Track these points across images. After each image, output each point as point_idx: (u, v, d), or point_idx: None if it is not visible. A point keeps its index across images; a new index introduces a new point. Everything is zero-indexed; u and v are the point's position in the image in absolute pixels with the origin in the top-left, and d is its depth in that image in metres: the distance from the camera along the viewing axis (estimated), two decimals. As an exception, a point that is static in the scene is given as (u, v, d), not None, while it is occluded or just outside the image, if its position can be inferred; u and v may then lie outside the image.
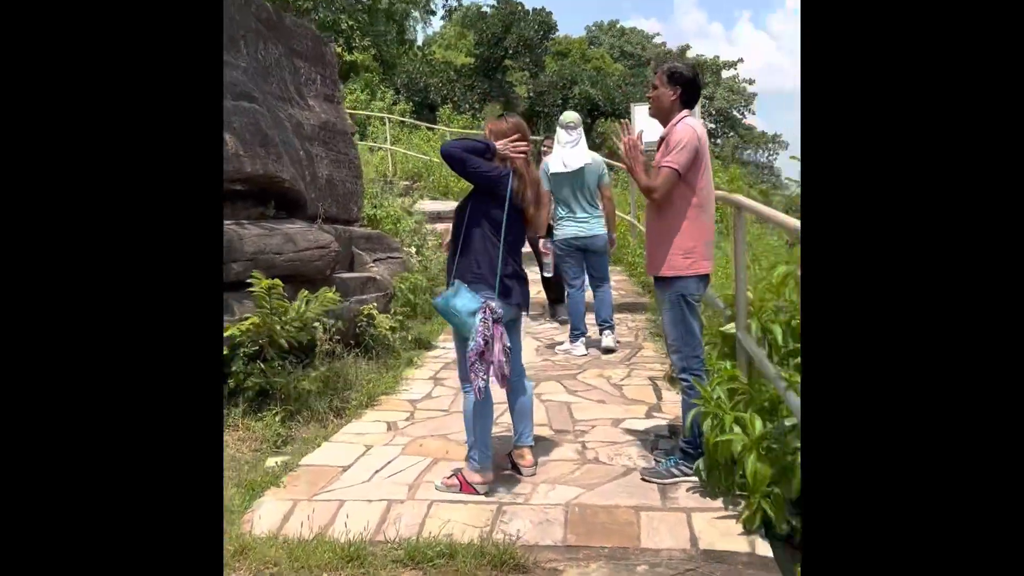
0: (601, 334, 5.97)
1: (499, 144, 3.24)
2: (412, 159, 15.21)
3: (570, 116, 5.84)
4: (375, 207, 8.30)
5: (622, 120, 4.02)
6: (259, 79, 6.06)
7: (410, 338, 5.87)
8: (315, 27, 19.06)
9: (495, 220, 3.17)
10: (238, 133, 4.68)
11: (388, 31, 22.96)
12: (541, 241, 6.06)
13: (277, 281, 4.22)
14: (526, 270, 3.43)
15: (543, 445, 3.82)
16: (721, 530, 2.86)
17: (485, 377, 3.09)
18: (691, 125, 3.18)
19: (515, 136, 3.25)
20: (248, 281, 4.24)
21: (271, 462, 3.69)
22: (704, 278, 3.27)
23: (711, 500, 3.09)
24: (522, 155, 3.24)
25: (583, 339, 5.82)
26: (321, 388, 4.46)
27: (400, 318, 5.73)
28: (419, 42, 28.20)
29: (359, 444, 3.92)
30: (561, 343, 5.98)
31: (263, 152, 4.82)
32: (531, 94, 23.92)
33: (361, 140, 16.62)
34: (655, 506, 3.07)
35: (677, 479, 3.27)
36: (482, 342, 3.06)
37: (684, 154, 3.11)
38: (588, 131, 19.76)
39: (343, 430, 4.17)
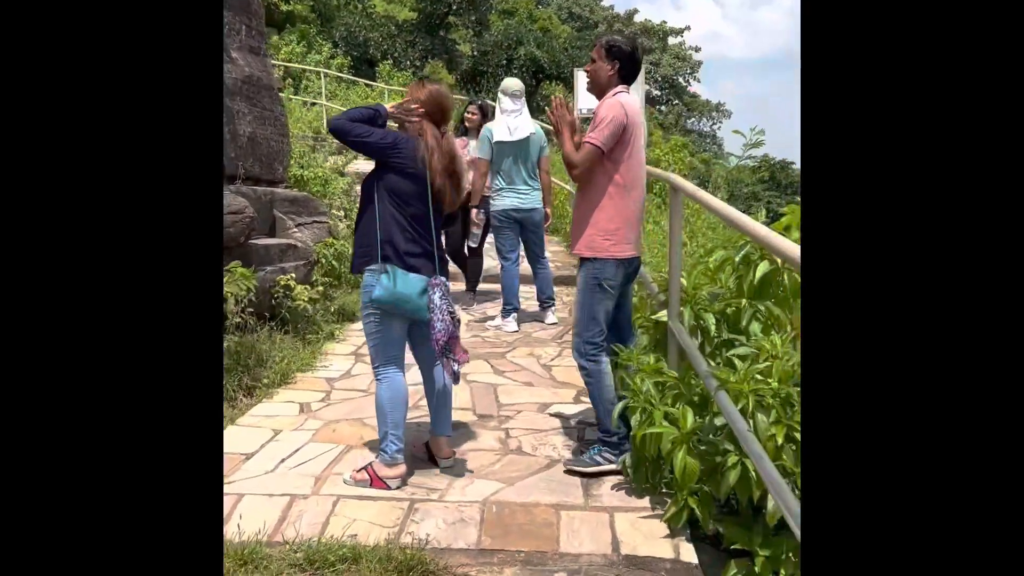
0: (545, 311, 5.80)
1: (390, 106, 3.01)
2: (348, 116, 14.64)
3: (515, 83, 5.60)
4: (303, 167, 7.88)
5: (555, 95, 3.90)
6: (173, 25, 5.59)
7: (332, 309, 5.58)
8: (249, -28, 18.19)
9: (398, 192, 2.91)
10: (142, 85, 4.27)
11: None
12: (473, 211, 5.76)
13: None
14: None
15: (464, 432, 3.63)
16: (645, 532, 2.71)
17: (463, 358, 2.96)
18: (620, 101, 3.02)
19: (420, 106, 2.97)
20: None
21: (168, 448, 3.39)
22: (625, 263, 3.09)
23: (636, 499, 2.94)
24: (415, 119, 2.98)
25: (515, 315, 5.63)
26: (230, 365, 4.16)
27: (321, 288, 5.42)
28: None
29: (267, 428, 3.65)
30: (492, 318, 5.77)
31: (170, 107, 4.41)
32: (475, 53, 23.35)
33: (295, 95, 15.97)
34: (577, 504, 2.90)
35: (601, 467, 3.12)
36: (450, 319, 2.89)
37: (608, 130, 2.97)
38: (532, 95, 19.46)
39: (251, 412, 3.89)
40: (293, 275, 5.05)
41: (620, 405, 2.99)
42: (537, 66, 22.37)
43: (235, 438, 3.52)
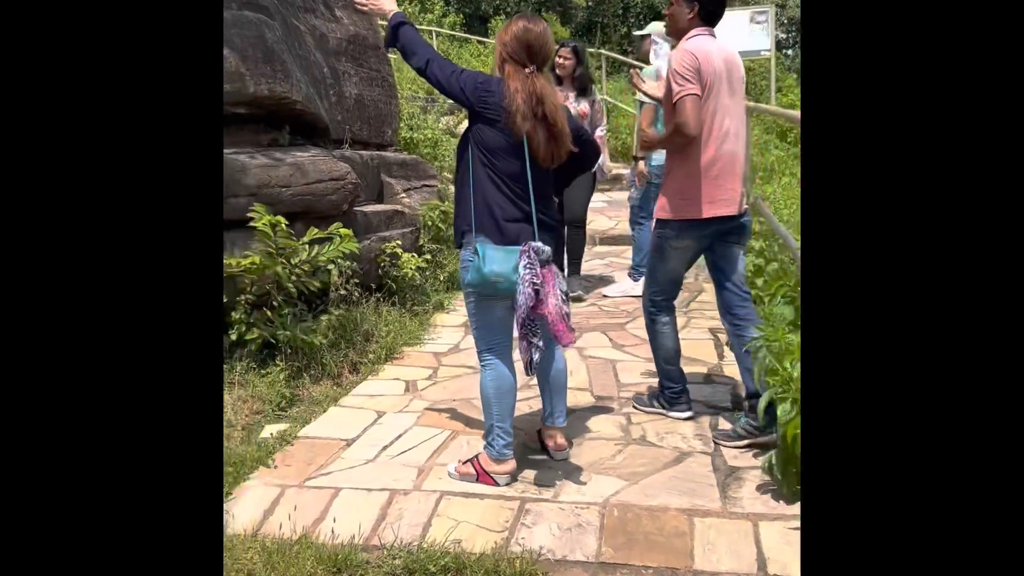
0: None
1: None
2: (461, 75, 14.34)
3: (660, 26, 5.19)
4: (412, 129, 7.64)
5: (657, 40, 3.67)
6: (276, -15, 5.40)
7: (442, 277, 5.32)
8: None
9: (488, 147, 2.53)
10: (239, 48, 4.07)
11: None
12: (640, 163, 5.03)
13: (279, 218, 3.68)
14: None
15: (581, 416, 3.27)
16: (796, 547, 2.28)
17: (540, 344, 2.50)
18: (690, 49, 2.83)
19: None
20: (249, 217, 3.71)
21: (268, 431, 3.22)
22: (696, 224, 2.95)
23: (784, 505, 2.50)
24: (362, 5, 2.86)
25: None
26: (335, 340, 3.97)
27: (428, 256, 5.16)
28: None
29: (370, 410, 3.42)
30: (611, 284, 5.37)
31: (269, 70, 4.21)
32: (589, 3, 22.50)
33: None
34: (713, 510, 2.49)
35: (744, 441, 2.96)
36: (532, 292, 2.42)
37: (691, 77, 2.80)
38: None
39: (355, 391, 3.68)
40: (399, 242, 4.80)
41: (766, 397, 2.55)
42: (655, 14, 21.26)
43: (337, 421, 3.31)
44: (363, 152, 5.67)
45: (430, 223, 5.34)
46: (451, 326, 4.67)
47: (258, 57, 4.17)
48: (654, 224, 3.11)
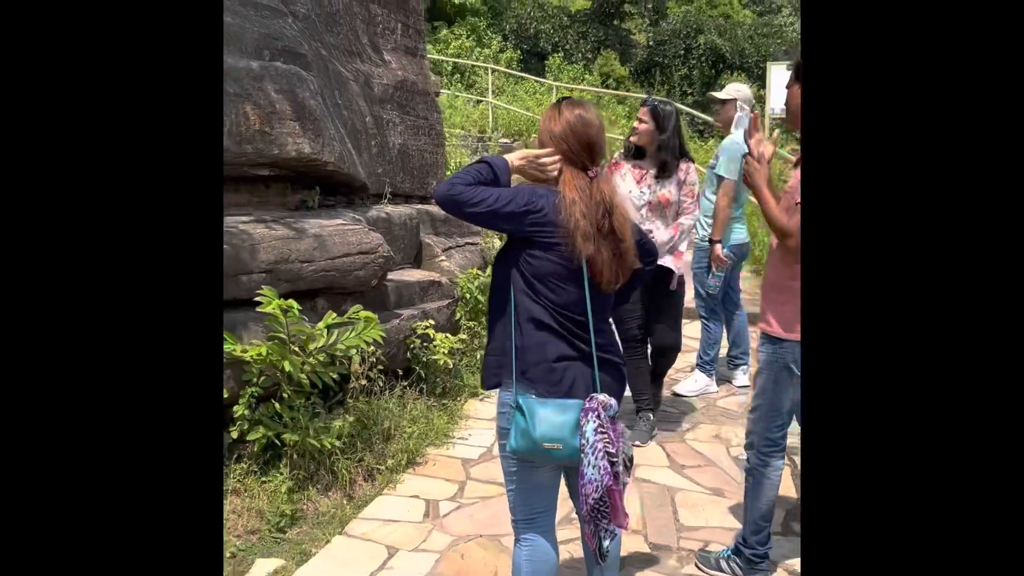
0: (735, 370, 4.79)
1: (518, 158, 2.06)
2: (514, 114, 13.98)
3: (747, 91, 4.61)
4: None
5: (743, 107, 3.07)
6: (320, 29, 5.02)
7: (478, 356, 4.80)
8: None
9: (539, 274, 2.00)
10: (265, 104, 3.64)
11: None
12: (716, 247, 4.29)
13: (291, 302, 3.20)
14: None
15: (631, 572, 2.69)
16: None
17: (612, 528, 1.95)
18: None
19: (553, 151, 2.05)
20: (256, 300, 3.24)
21: (259, 569, 2.72)
22: None
23: None
24: (553, 173, 2.06)
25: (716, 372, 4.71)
26: (350, 441, 3.47)
27: (464, 337, 4.64)
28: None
29: (380, 544, 2.89)
30: (683, 380, 4.77)
31: (298, 128, 3.77)
32: (650, 43, 22.04)
33: (465, 90, 15.54)
34: None
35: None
36: (608, 465, 1.89)
37: None
38: (710, 87, 17.94)
39: (367, 511, 3.15)
40: (433, 321, 4.30)
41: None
42: (718, 56, 20.72)
43: (341, 558, 2.79)
44: (402, 209, 5.21)
45: (468, 295, 4.83)
46: (484, 419, 4.13)
47: (286, 113, 3.73)
48: (764, 341, 2.59)
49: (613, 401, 1.97)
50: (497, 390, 2.11)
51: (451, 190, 1.93)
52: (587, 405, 1.93)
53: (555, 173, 2.04)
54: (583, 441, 1.90)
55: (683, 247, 3.89)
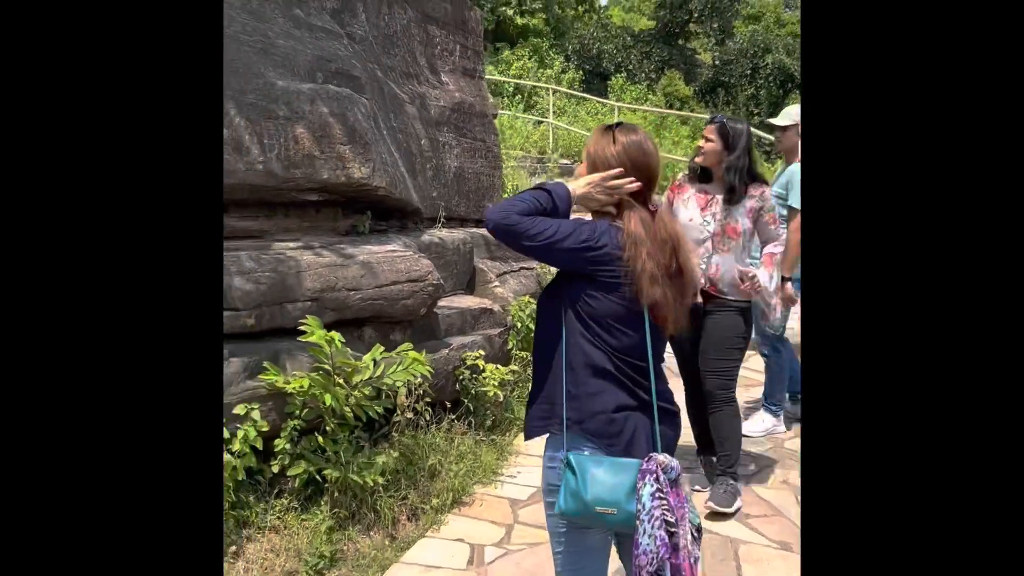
0: (798, 405, 4.52)
1: (582, 185, 1.87)
2: (575, 135, 13.83)
3: None
4: (517, 201, 7.04)
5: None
6: (377, 51, 4.96)
7: (530, 387, 4.61)
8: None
9: (596, 316, 1.81)
10: (315, 126, 3.57)
11: (565, -7, 21.51)
12: (787, 285, 3.85)
13: (334, 333, 3.09)
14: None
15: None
16: None
17: None
18: None
19: (615, 172, 1.85)
20: (301, 329, 3.14)
21: (291, 615, 2.59)
22: None
23: None
24: (623, 193, 1.86)
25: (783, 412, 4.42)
26: (394, 477, 3.32)
27: (516, 368, 4.46)
28: (603, 1, 26.46)
29: (420, 594, 2.73)
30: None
31: (348, 152, 3.69)
32: (716, 62, 21.67)
33: (525, 111, 15.48)
34: None
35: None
36: (666, 536, 1.69)
37: None
38: (778, 106, 17.47)
39: (408, 555, 3.00)
40: (483, 351, 4.14)
41: None
42: (786, 75, 20.22)
43: (378, 605, 2.64)
44: (457, 234, 5.09)
45: (521, 324, 4.66)
46: (535, 456, 3.94)
47: (336, 137, 3.65)
48: None
49: (675, 463, 1.77)
50: (538, 438, 1.94)
51: (506, 219, 1.76)
52: (645, 466, 1.73)
53: (628, 192, 1.86)
54: (639, 507, 1.71)
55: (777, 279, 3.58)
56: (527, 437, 1.95)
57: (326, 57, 3.97)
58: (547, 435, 1.90)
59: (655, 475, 1.72)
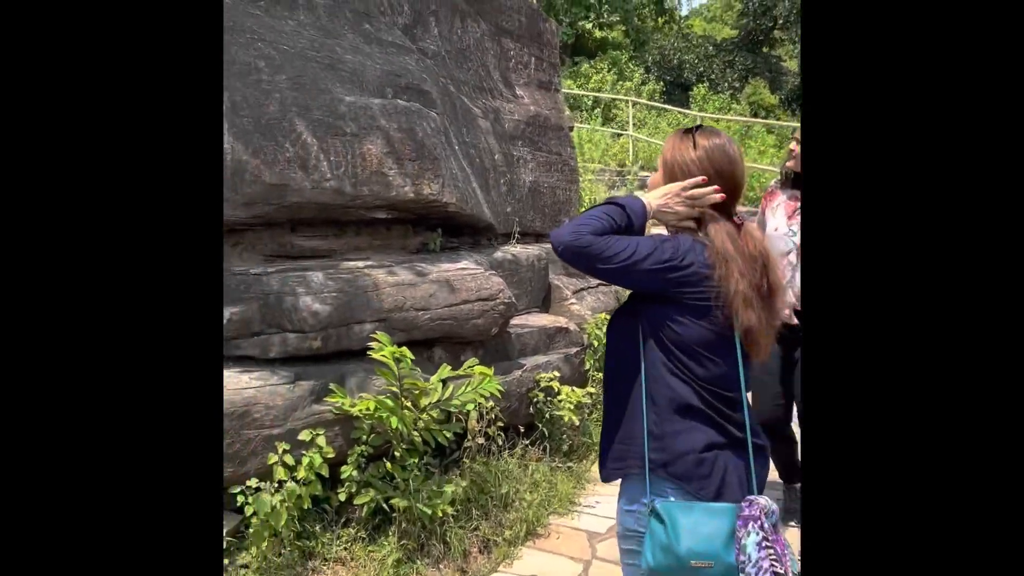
0: None
1: (659, 196, 1.66)
2: (655, 147, 13.53)
3: None
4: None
5: None
6: (450, 65, 4.88)
7: (611, 410, 4.40)
8: (558, 1, 17.92)
9: (682, 344, 1.60)
10: (383, 143, 3.48)
11: (644, 4, 21.23)
12: None
13: (403, 350, 2.97)
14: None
15: None
16: None
17: None
18: None
19: (696, 181, 1.64)
20: (369, 347, 3.03)
21: (354, 656, 2.45)
22: None
23: None
24: (693, 208, 1.66)
25: None
26: (464, 507, 3.17)
27: (592, 389, 4.26)
28: (684, 11, 26.04)
29: (490, 635, 2.56)
30: None
31: (417, 168, 3.58)
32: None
33: (604, 124, 15.28)
34: None
35: None
36: None
37: None
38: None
39: (478, 591, 2.83)
40: (558, 372, 3.96)
41: None
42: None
43: (444, 647, 2.47)
44: (531, 250, 4.93)
45: (598, 343, 4.45)
46: (614, 484, 3.72)
47: (405, 153, 3.55)
48: None
49: (774, 506, 1.56)
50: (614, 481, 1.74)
51: (577, 240, 1.56)
52: (746, 512, 1.52)
53: (711, 203, 1.66)
54: (743, 558, 1.49)
55: None
56: (604, 479, 1.75)
57: (396, 72, 3.89)
58: (623, 488, 1.71)
59: (759, 521, 1.51)
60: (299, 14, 3.66)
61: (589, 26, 18.95)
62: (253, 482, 2.77)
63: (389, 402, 3.00)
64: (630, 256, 1.54)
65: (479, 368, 3.15)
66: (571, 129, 6.72)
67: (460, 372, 3.21)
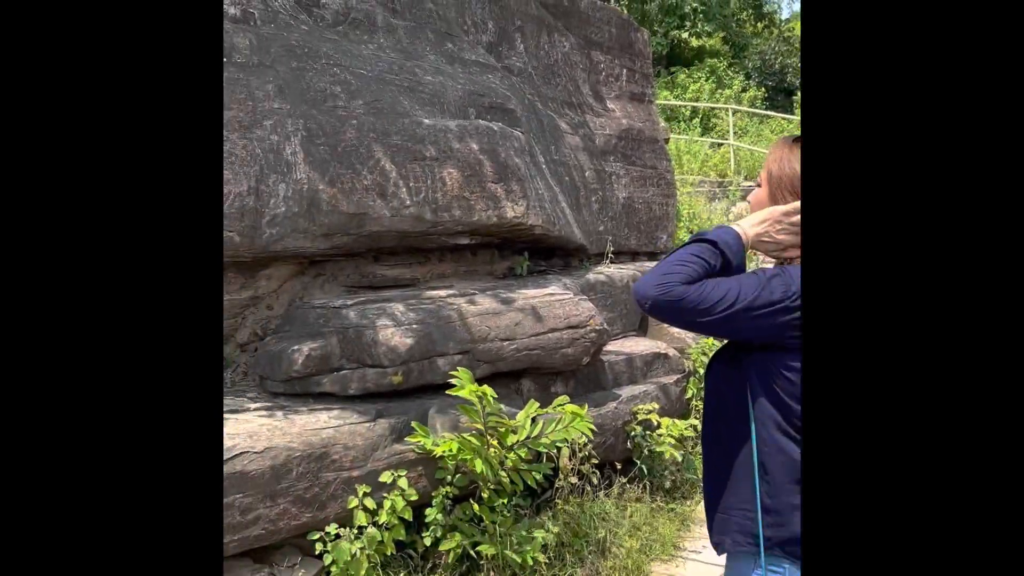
0: None
1: (756, 224, 1.40)
2: (757, 156, 12.95)
3: None
4: (696, 231, 6.52)
5: None
6: (537, 82, 4.71)
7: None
8: (651, 12, 17.55)
9: (800, 397, 1.32)
10: (464, 166, 3.32)
11: (742, 10, 20.57)
12: None
13: (485, 388, 2.78)
14: None
15: None
16: None
17: None
18: None
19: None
20: (450, 383, 2.86)
21: None
22: None
23: None
24: (799, 235, 1.38)
25: None
26: (556, 553, 2.94)
27: (695, 421, 3.94)
28: (784, 15, 25.12)
29: None
30: None
31: (500, 190, 3.41)
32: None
33: (703, 134, 14.80)
34: None
35: None
36: None
37: None
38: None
39: (572, 650, 2.59)
40: (657, 403, 3.68)
41: None
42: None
43: None
44: (626, 270, 4.68)
45: (702, 369, 4.14)
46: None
47: (487, 176, 3.39)
48: None
49: None
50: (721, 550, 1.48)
51: (665, 293, 1.30)
52: None
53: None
54: None
55: None
56: (716, 547, 1.49)
57: (479, 91, 3.74)
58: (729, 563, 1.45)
59: None
60: (378, 37, 3.57)
61: (685, 35, 18.48)
62: (332, 528, 2.63)
63: (474, 441, 2.81)
64: (733, 303, 1.28)
65: (570, 407, 2.92)
66: (666, 141, 6.43)
67: (549, 410, 2.99)
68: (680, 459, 3.61)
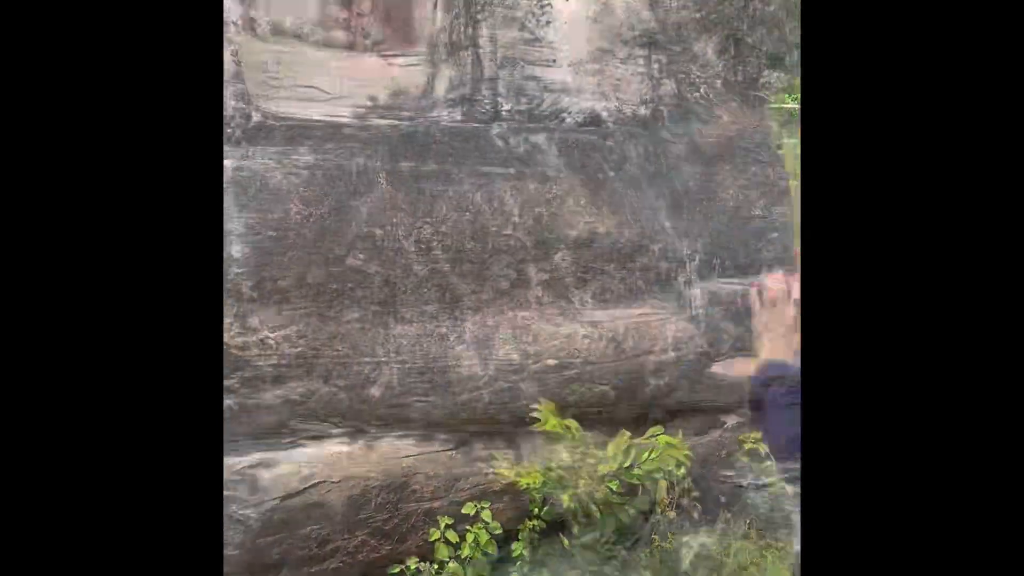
0: None
1: None
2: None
3: None
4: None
5: None
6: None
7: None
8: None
9: None
10: (554, 174, 3.19)
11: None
12: None
13: (570, 422, 2.63)
14: None
15: None
16: None
17: None
18: None
19: None
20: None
21: None
22: None
23: None
24: None
25: None
26: (652, 594, 2.75)
27: (812, 452, 3.64)
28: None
29: None
30: None
31: (588, 202, 3.25)
32: None
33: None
34: None
35: None
36: None
37: None
38: None
39: None
40: (767, 431, 3.40)
41: None
42: None
43: None
44: (735, 282, 4.40)
45: (818, 393, 3.82)
46: (841, 569, 3.10)
47: (576, 187, 3.23)
48: None
49: None
50: None
51: None
52: None
53: None
54: None
55: None
56: None
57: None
58: None
59: None
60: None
61: (801, 32, 17.77)
62: (412, 562, 2.56)
63: (560, 473, 2.67)
64: None
65: (664, 437, 2.73)
66: (779, 146, 6.08)
67: (642, 440, 2.81)
68: (791, 493, 3.33)
